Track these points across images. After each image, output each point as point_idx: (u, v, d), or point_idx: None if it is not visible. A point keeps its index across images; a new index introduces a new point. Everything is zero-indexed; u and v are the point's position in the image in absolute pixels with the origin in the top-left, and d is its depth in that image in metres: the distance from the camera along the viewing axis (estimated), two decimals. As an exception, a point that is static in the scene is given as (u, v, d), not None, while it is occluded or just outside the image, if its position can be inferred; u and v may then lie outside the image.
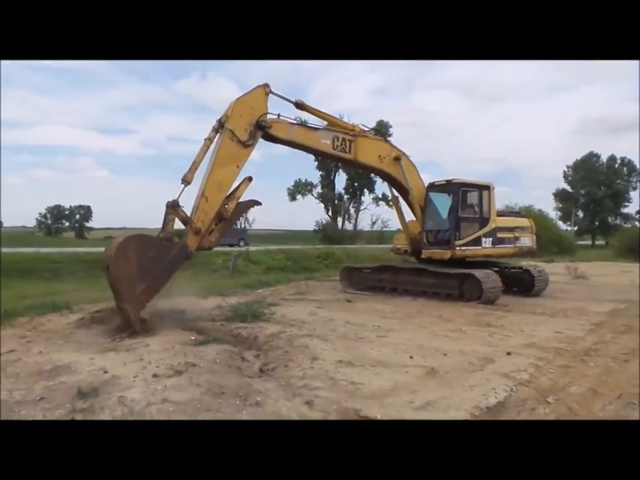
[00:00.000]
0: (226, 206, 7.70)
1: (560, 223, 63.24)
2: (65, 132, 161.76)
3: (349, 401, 4.01)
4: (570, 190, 71.32)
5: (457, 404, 3.94)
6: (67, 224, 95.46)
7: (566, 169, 71.87)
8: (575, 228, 71.02)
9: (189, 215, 7.32)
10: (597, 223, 70.49)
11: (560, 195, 71.41)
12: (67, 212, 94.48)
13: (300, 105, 9.12)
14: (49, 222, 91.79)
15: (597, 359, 5.45)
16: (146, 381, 4.29)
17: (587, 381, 4.65)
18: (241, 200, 8.01)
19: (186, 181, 7.23)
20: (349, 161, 10.31)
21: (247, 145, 7.89)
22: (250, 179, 8.13)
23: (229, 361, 5.14)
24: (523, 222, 11.99)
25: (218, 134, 7.68)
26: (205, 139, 7.55)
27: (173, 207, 7.08)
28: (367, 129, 10.40)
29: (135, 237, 6.56)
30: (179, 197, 7.15)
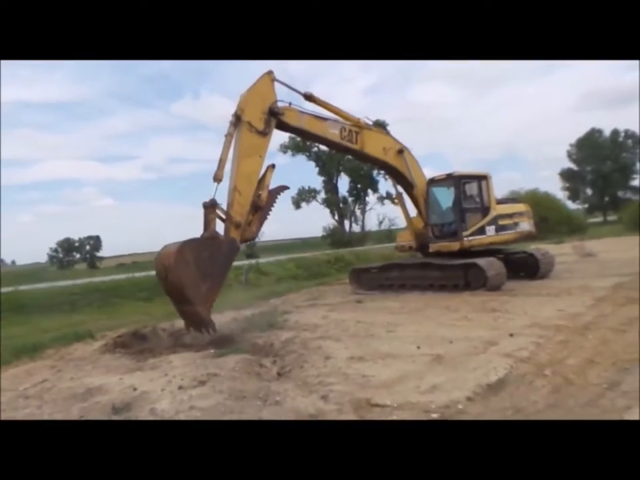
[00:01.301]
0: (259, 195, 8.05)
1: (569, 203, 62.91)
2: (68, 165, 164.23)
3: (360, 392, 4.32)
4: (575, 168, 70.84)
5: (460, 385, 4.24)
6: (78, 256, 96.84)
7: (569, 148, 71.48)
8: (585, 206, 70.51)
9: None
10: (606, 199, 69.89)
11: (566, 174, 70.86)
12: (77, 244, 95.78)
13: (309, 97, 9.46)
14: (60, 255, 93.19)
15: (596, 331, 5.71)
16: (172, 393, 4.63)
17: (584, 352, 4.92)
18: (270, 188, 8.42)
19: (217, 179, 7.50)
20: (355, 152, 10.62)
21: (265, 134, 8.27)
22: (273, 166, 8.50)
23: (247, 368, 5.46)
24: (520, 207, 12.30)
25: (236, 128, 7.97)
26: (226, 135, 7.83)
27: (212, 206, 7.35)
28: (370, 122, 10.74)
29: (188, 242, 6.81)
30: (214, 196, 7.42)
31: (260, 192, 8.08)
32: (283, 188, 8.91)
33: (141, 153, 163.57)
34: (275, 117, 8.44)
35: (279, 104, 8.56)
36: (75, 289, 17.84)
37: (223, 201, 7.65)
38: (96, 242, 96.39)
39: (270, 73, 8.47)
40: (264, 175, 8.26)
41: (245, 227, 7.79)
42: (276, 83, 8.65)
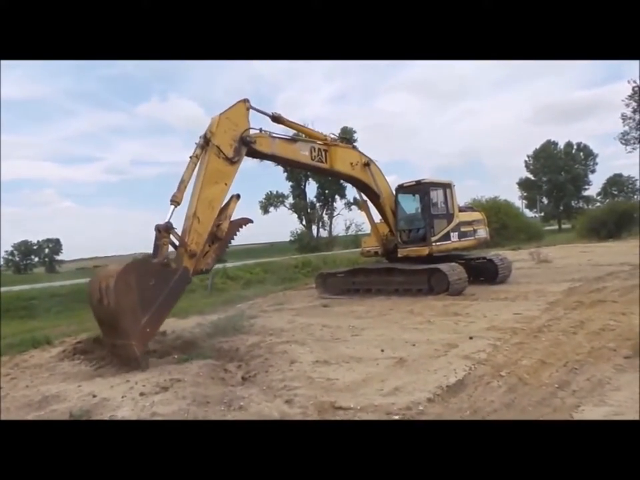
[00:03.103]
0: (219, 225, 7.51)
1: (527, 211, 65.58)
2: (26, 166, 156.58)
3: (325, 396, 4.39)
4: (533, 178, 73.88)
5: (421, 386, 4.38)
6: (37, 259, 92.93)
7: (527, 158, 74.54)
8: (542, 214, 73.54)
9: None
10: (561, 208, 73.22)
11: (524, 184, 73.86)
12: (35, 247, 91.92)
13: (276, 118, 9.28)
14: (17, 259, 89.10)
15: (549, 333, 6.01)
16: (134, 400, 4.54)
17: (538, 353, 5.17)
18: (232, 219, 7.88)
19: (176, 201, 6.88)
20: (324, 171, 10.58)
21: (234, 162, 7.86)
22: (238, 196, 8.04)
23: (212, 373, 5.42)
24: (477, 215, 12.82)
25: (203, 151, 7.53)
26: (192, 157, 7.38)
27: (167, 230, 6.64)
28: (336, 138, 10.81)
29: (136, 264, 6.18)
30: (169, 219, 6.71)
31: (221, 222, 7.55)
32: (246, 221, 8.32)
33: (104, 154, 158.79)
34: (246, 146, 8.14)
35: (251, 131, 8.30)
36: (33, 294, 17.14)
37: (177, 225, 6.90)
38: (55, 245, 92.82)
39: (245, 101, 8.23)
40: (227, 205, 7.77)
41: (200, 257, 7.16)
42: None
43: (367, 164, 11.08)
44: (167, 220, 6.65)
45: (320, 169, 10.31)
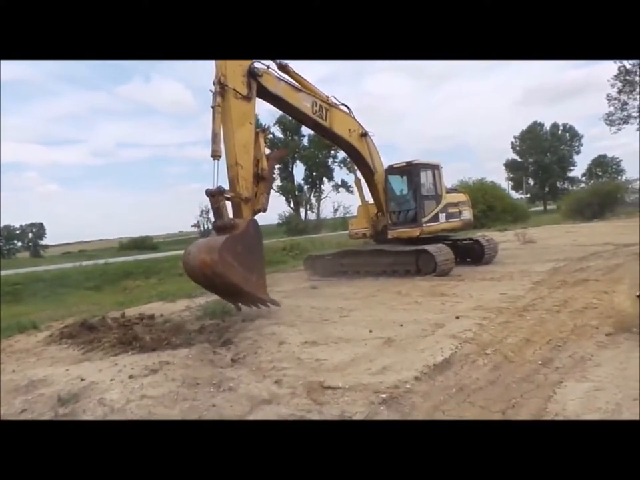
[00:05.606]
0: (257, 165, 7.71)
1: (513, 192, 66.15)
2: (8, 148, 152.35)
3: (313, 376, 4.44)
4: (519, 159, 74.33)
5: (408, 366, 4.44)
6: (20, 244, 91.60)
7: (514, 140, 74.86)
8: (528, 195, 74.29)
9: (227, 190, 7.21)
10: (547, 189, 74.01)
11: (510, 165, 74.34)
12: (17, 232, 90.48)
13: (283, 67, 9.23)
14: (0, 244, 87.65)
15: (533, 312, 6.12)
16: (123, 382, 4.55)
17: (522, 332, 5.27)
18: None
19: (217, 155, 7.07)
20: (323, 128, 10.40)
21: (249, 98, 7.94)
22: (264, 130, 8.21)
23: (201, 355, 5.43)
24: (462, 197, 12.83)
25: (221, 98, 7.48)
26: (214, 106, 7.35)
27: (220, 193, 6.97)
28: (338, 103, 10.67)
29: (225, 245, 6.57)
30: (215, 176, 6.96)
31: (258, 160, 7.77)
32: (284, 151, 8.67)
33: (88, 136, 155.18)
34: (255, 80, 8.09)
35: (257, 64, 8.19)
36: (18, 279, 16.95)
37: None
38: (39, 229, 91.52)
39: None
40: (257, 142, 7.93)
41: (253, 200, 7.59)
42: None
43: (364, 134, 11.02)
44: (215, 182, 6.99)
45: (319, 124, 10.09)
